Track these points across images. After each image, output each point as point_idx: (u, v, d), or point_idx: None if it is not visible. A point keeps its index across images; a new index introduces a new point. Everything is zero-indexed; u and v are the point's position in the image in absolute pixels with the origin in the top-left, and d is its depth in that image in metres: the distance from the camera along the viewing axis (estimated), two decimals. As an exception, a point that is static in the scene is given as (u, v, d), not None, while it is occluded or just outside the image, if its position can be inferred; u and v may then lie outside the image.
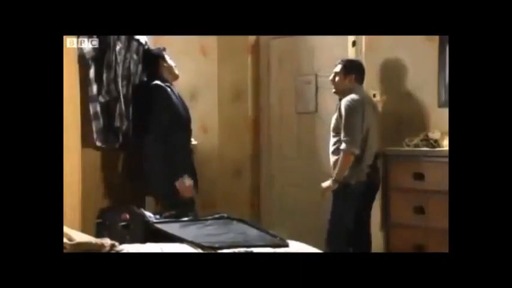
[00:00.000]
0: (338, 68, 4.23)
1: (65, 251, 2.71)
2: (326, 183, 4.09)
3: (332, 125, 4.22)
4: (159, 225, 3.33)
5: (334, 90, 4.26)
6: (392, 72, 4.76)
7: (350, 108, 4.04)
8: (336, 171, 4.04)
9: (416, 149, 4.36)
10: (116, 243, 2.99)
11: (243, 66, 5.21)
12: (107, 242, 2.95)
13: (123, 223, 3.43)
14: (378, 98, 4.82)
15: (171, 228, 3.30)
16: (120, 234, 3.31)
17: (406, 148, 4.43)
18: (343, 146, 4.01)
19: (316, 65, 4.95)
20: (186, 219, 3.53)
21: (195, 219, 3.54)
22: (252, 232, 3.35)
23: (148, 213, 3.55)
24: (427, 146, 4.34)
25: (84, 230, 3.34)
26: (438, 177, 4.07)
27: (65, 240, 2.78)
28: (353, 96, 4.08)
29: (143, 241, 3.22)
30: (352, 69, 4.21)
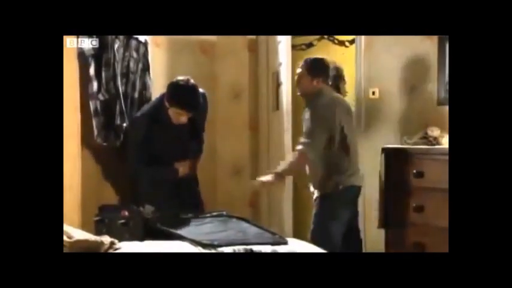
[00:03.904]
0: (302, 70, 3.91)
1: (64, 248, 2.71)
2: (265, 178, 3.78)
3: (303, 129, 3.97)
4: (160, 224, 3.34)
5: (299, 93, 3.97)
6: (391, 70, 4.76)
7: (318, 113, 3.76)
8: (282, 165, 3.78)
9: (416, 146, 4.36)
10: (115, 241, 2.99)
11: (242, 64, 5.21)
12: (106, 239, 2.95)
13: (122, 221, 3.43)
14: (377, 95, 4.82)
15: (173, 225, 3.31)
16: (119, 232, 3.31)
17: (405, 146, 4.43)
18: (299, 147, 3.74)
19: (277, 61, 4.88)
20: (185, 216, 3.53)
21: (194, 217, 3.54)
22: (251, 230, 3.35)
23: (149, 207, 3.54)
24: (426, 144, 4.35)
25: (84, 227, 3.35)
26: (437, 175, 4.07)
27: (64, 237, 2.78)
28: (323, 101, 3.82)
29: (142, 239, 3.22)
30: (320, 71, 3.90)
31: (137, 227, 3.35)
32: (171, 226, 3.28)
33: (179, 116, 3.77)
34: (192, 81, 3.77)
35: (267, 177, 3.76)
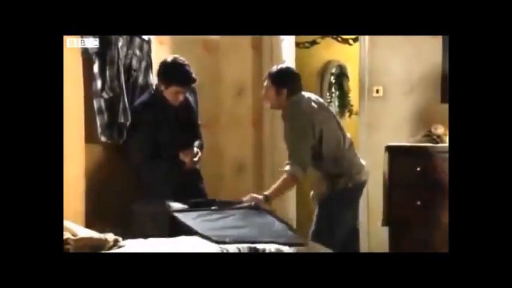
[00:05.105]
0: (267, 82, 3.71)
1: (68, 246, 2.72)
2: (257, 196, 3.62)
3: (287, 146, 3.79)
4: (177, 214, 3.37)
5: (269, 106, 3.84)
6: (395, 68, 4.76)
7: (295, 130, 3.61)
8: (272, 188, 3.64)
9: (420, 144, 4.36)
10: (119, 239, 3.00)
11: (245, 61, 5.21)
12: (110, 237, 2.96)
13: (149, 214, 3.51)
14: (380, 93, 4.82)
15: (188, 217, 3.33)
16: (146, 225, 3.43)
17: (409, 144, 4.43)
18: (287, 167, 3.59)
19: (281, 59, 4.87)
20: (212, 208, 3.52)
21: (218, 209, 3.52)
22: (275, 227, 3.31)
23: (176, 204, 3.62)
24: (430, 142, 4.35)
25: (87, 225, 3.35)
26: (441, 173, 4.07)
27: (68, 235, 2.79)
28: (297, 114, 3.63)
29: (168, 232, 3.25)
30: (284, 82, 3.66)
31: (164, 222, 3.39)
32: (188, 218, 3.31)
33: (177, 95, 3.82)
34: (180, 57, 3.84)
35: (259, 197, 3.61)
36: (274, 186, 3.64)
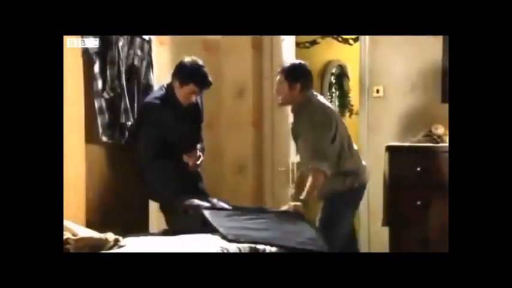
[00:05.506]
0: (280, 76, 3.71)
1: (68, 246, 2.72)
2: (296, 203, 3.52)
3: (292, 135, 3.84)
4: (206, 211, 3.41)
5: (280, 101, 3.77)
6: (395, 68, 4.76)
7: (313, 121, 3.57)
8: (305, 191, 3.51)
9: (420, 144, 4.36)
10: (120, 238, 3.01)
11: (245, 61, 5.21)
12: (110, 236, 2.96)
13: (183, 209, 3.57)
14: (381, 93, 4.82)
15: (215, 215, 3.37)
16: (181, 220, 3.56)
17: (409, 144, 4.43)
18: (313, 164, 3.51)
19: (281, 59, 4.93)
20: (242, 212, 3.55)
21: (250, 212, 3.53)
22: (305, 235, 3.26)
23: (219, 202, 3.71)
24: (430, 142, 4.35)
25: (88, 225, 3.36)
26: (441, 173, 4.07)
27: (68, 235, 2.79)
28: (315, 110, 3.62)
29: (198, 228, 3.33)
30: (297, 77, 3.66)
31: (194, 216, 3.46)
32: (214, 217, 3.34)
33: (190, 95, 3.80)
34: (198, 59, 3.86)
35: (298, 204, 3.51)
36: (306, 188, 3.51)
